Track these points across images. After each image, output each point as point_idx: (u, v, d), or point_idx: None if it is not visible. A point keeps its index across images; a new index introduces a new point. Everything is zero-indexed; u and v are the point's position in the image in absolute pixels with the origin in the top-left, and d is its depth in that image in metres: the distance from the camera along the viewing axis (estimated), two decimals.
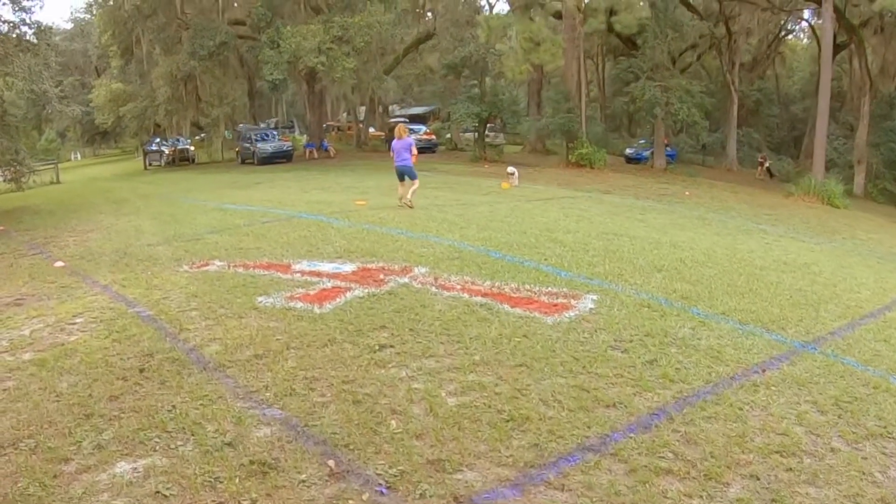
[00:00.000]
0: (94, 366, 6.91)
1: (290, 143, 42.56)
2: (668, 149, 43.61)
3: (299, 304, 8.75)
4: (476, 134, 39.73)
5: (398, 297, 9.03)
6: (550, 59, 31.15)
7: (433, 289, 9.40)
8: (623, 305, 8.82)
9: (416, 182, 17.73)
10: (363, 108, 54.65)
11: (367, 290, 9.29)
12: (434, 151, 46.87)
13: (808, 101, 60.98)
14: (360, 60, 35.10)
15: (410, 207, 17.26)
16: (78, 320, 8.55)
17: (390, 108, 66.88)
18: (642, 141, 48.50)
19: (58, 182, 37.96)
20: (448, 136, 52.49)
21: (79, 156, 68.85)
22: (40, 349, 7.56)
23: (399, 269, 10.55)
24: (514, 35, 32.34)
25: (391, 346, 7.30)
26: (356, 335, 7.63)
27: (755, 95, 57.93)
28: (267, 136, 43.10)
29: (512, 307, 8.47)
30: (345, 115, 62.65)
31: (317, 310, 8.52)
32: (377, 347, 7.25)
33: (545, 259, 11.45)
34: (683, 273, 11.00)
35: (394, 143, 17.67)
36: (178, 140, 46.90)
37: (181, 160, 46.00)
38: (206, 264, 11.48)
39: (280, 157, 40.72)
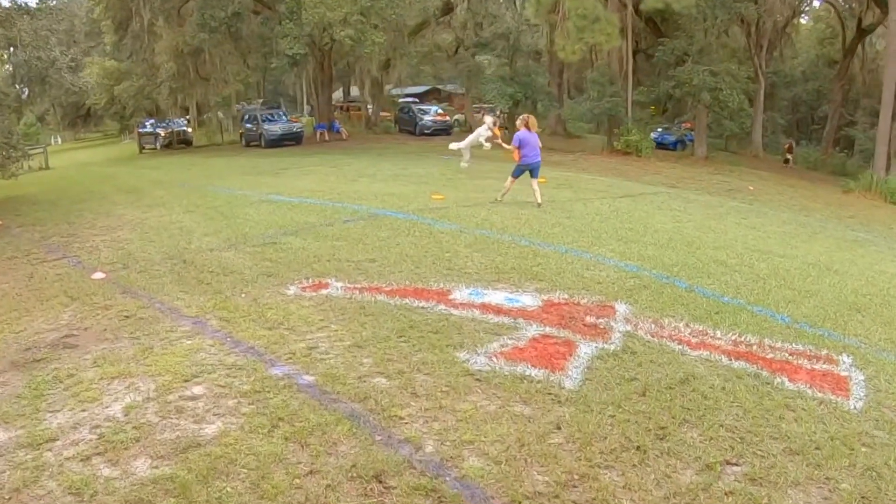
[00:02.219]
0: (287, 498, 3.88)
1: (300, 125, 39.35)
2: (691, 133, 41.04)
3: (531, 371, 5.87)
4: (505, 117, 36.64)
5: (644, 357, 6.35)
6: (606, 39, 28.17)
7: (672, 344, 6.74)
8: (888, 375, 6.42)
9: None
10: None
11: (596, 346, 6.58)
12: (449, 133, 44.02)
13: (811, 84, 58.51)
14: (389, 34, 31.88)
15: (540, 206, 14.78)
16: (196, 389, 5.50)
17: (386, 87, 63.43)
18: (666, 126, 45.69)
19: (47, 168, 34.36)
20: (457, 117, 49.43)
21: (59, 140, 64.71)
22: (161, 454, 4.53)
23: (597, 307, 7.83)
24: (565, 12, 29.10)
25: (730, 464, 4.64)
26: (665, 439, 4.86)
27: (771, 78, 55.42)
28: (273, 116, 39.75)
29: (791, 380, 6.04)
30: (338, 92, 59.15)
31: (566, 383, 5.70)
32: (717, 468, 4.52)
33: (737, 292, 8.89)
34: (883, 315, 8.63)
35: (526, 134, 14.65)
36: (172, 122, 43.41)
37: (179, 143, 42.51)
38: (322, 285, 8.51)
39: (289, 140, 37.53)
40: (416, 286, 8.37)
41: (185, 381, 5.62)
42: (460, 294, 8.10)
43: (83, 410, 5.23)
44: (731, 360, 6.39)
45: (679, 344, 6.73)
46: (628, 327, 7.12)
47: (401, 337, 6.55)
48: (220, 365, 5.90)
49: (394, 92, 56.46)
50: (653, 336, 6.90)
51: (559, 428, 4.85)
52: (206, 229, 12.74)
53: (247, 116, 40.81)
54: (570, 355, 6.28)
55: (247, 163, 28.81)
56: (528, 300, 7.95)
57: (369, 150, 33.82)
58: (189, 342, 6.56)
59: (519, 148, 14.53)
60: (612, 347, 6.53)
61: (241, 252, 10.64)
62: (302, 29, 30.56)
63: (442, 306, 7.56)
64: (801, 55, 65.07)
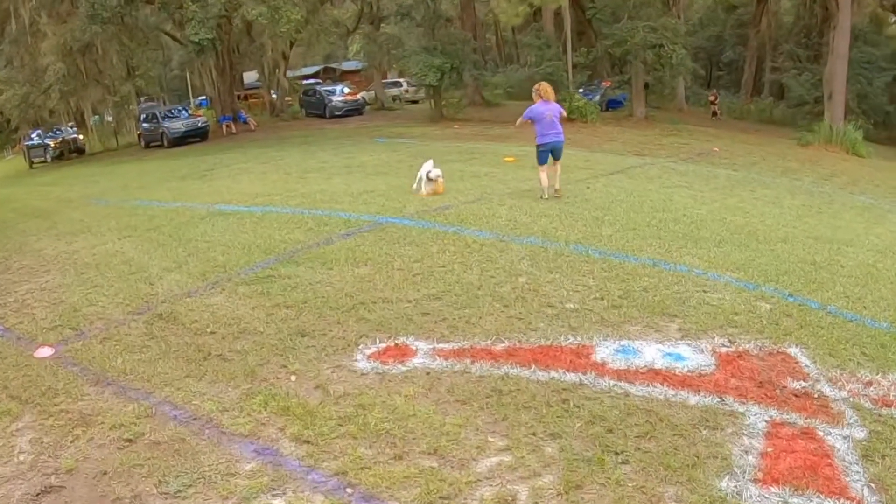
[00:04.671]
0: None
1: (204, 119, 35.94)
2: (624, 93, 39.26)
3: None
4: (432, 90, 33.93)
5: None
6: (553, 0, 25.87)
7: None
8: None
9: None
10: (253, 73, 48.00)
11: (840, 434, 4.68)
12: (361, 113, 41.44)
13: (709, 30, 57.76)
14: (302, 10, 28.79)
15: (558, 197, 12.36)
16: None
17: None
18: (589, 85, 43.84)
19: None
20: (363, 94, 46.63)
21: None
22: None
23: (773, 357, 5.84)
24: None
25: None
26: None
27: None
28: (173, 112, 36.32)
29: None
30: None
31: None
32: None
33: (867, 309, 7.15)
34: None
35: (539, 106, 12.06)
36: (61, 130, 39.23)
37: (72, 152, 38.39)
38: (403, 350, 6.00)
39: (194, 136, 34.48)
40: (539, 343, 5.89)
41: None
42: (607, 352, 5.80)
43: None
44: None
45: None
46: (841, 392, 5.26)
47: (615, 454, 4.19)
48: None
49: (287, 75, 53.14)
50: (873, 403, 5.09)
51: None
52: (164, 262, 9.87)
53: (144, 115, 37.31)
54: (831, 458, 4.38)
55: (160, 167, 25.43)
56: (692, 354, 5.82)
57: (289, 139, 30.79)
58: (279, 503, 3.86)
59: (533, 123, 12.14)
60: (859, 434, 4.66)
61: (233, 295, 7.91)
62: (208, 11, 27.18)
63: (609, 380, 5.25)
64: (697, 2, 64.41)
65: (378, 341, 6.10)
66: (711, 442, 4.42)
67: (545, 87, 12.25)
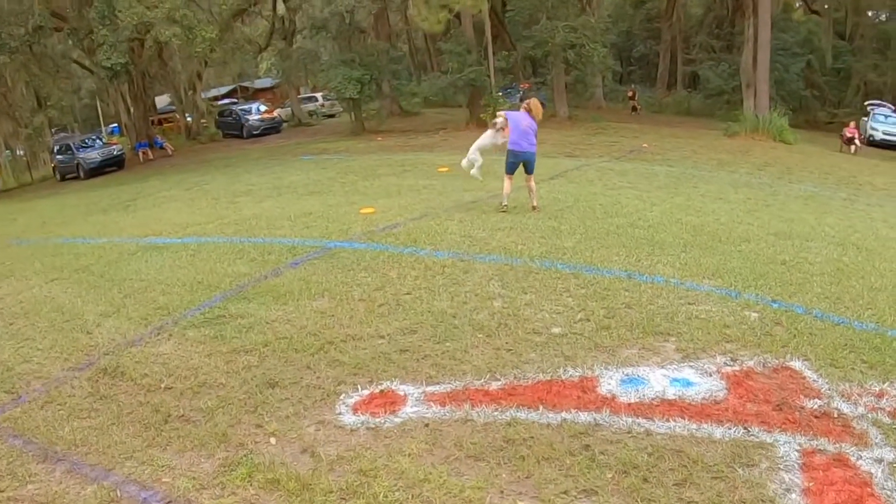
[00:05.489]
0: None
1: (119, 147, 34.89)
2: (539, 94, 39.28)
3: None
4: (351, 103, 33.40)
5: None
6: (473, 4, 25.49)
7: None
8: None
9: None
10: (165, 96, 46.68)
11: (872, 458, 4.43)
12: (279, 131, 41.06)
13: (619, 26, 58.53)
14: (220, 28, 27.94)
15: (535, 209, 12.07)
16: None
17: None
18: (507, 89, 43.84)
19: None
20: (278, 111, 45.92)
21: None
22: None
23: (779, 374, 5.56)
24: None
25: None
26: None
27: None
28: (87, 142, 35.18)
29: None
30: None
31: None
32: None
33: (850, 311, 7.03)
34: None
35: (517, 115, 11.80)
36: None
37: None
38: (389, 398, 5.51)
39: (111, 165, 33.63)
40: (539, 378, 5.45)
41: None
42: (612, 383, 5.42)
43: None
44: None
45: None
46: (858, 408, 5.05)
47: None
48: None
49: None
50: (891, 418, 4.90)
51: None
52: (99, 306, 9.13)
53: (58, 147, 36.04)
54: (871, 487, 4.13)
55: (79, 200, 24.28)
56: (700, 378, 5.51)
57: (211, 162, 29.87)
58: None
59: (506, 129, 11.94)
60: (889, 456, 4.42)
61: (183, 341, 7.28)
62: (119, 34, 26.12)
63: (626, 417, 4.91)
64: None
65: (360, 388, 5.56)
66: (751, 482, 4.08)
67: (535, 103, 11.96)
